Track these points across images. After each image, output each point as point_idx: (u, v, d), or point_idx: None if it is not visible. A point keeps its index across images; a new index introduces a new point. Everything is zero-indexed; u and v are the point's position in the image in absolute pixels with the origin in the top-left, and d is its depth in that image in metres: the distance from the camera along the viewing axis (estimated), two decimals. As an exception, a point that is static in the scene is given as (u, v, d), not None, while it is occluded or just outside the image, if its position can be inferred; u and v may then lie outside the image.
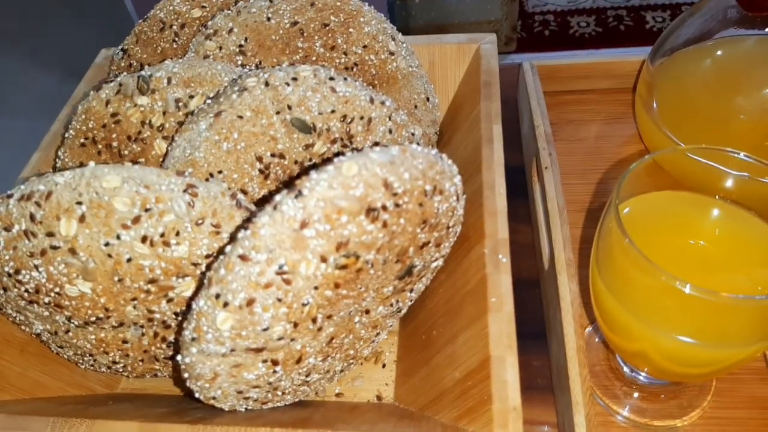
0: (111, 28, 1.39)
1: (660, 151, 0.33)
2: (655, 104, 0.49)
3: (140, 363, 0.37)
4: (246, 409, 0.34)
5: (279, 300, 0.28)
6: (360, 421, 0.35)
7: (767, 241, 0.32)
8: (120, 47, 0.47)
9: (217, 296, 0.28)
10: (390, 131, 0.39)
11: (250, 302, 0.27)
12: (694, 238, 0.33)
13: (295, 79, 0.36)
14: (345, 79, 0.38)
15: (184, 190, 0.31)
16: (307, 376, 0.34)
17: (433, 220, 0.33)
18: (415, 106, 0.46)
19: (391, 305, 0.36)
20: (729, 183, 0.33)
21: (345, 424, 0.34)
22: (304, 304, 0.28)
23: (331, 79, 0.37)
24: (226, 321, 0.28)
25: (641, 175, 0.33)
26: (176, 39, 0.45)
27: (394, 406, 0.39)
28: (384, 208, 0.29)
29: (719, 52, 0.48)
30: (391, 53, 0.44)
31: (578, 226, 0.47)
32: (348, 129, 0.37)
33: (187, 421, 0.31)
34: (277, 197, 0.27)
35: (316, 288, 0.28)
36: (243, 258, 0.27)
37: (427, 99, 0.46)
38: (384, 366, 0.41)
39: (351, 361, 0.37)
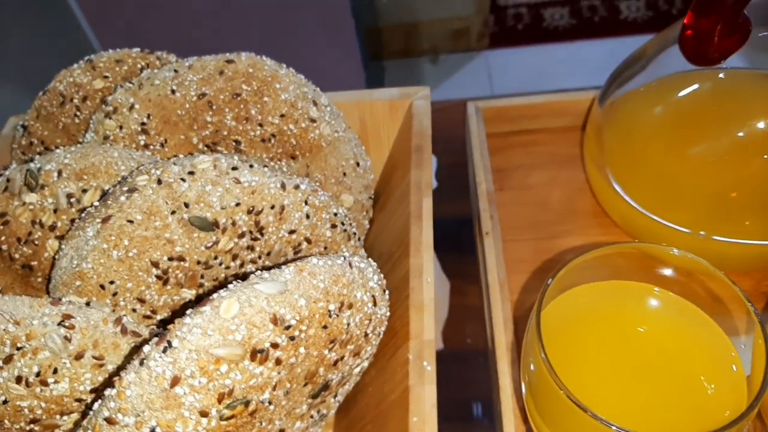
0: (70, 49, 1.34)
1: (586, 255, 0.29)
2: (603, 151, 0.45)
3: (42, 490, 0.34)
4: None
5: (157, 462, 0.24)
6: None
7: (719, 345, 0.29)
8: (20, 123, 0.43)
9: (86, 462, 0.24)
10: (307, 216, 0.35)
11: (123, 468, 0.24)
12: (632, 338, 0.30)
13: (192, 173, 0.33)
14: (251, 166, 0.34)
15: (60, 323, 0.28)
16: (218, 506, 0.31)
17: (343, 336, 0.29)
18: (344, 174, 0.42)
19: (312, 417, 0.33)
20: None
21: None
22: (189, 460, 0.25)
23: (234, 168, 0.33)
24: (98, 488, 0.24)
25: (575, 271, 0.30)
26: (78, 113, 0.41)
27: None
28: (275, 345, 0.25)
29: (674, 93, 0.45)
30: (313, 120, 0.40)
31: (525, 290, 0.44)
32: (257, 221, 0.34)
33: None
34: (145, 349, 0.24)
35: (201, 442, 0.25)
36: (110, 421, 0.24)
37: (357, 164, 0.43)
38: (317, 464, 0.38)
39: (274, 473, 0.34)
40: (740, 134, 0.41)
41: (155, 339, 0.24)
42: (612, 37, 1.79)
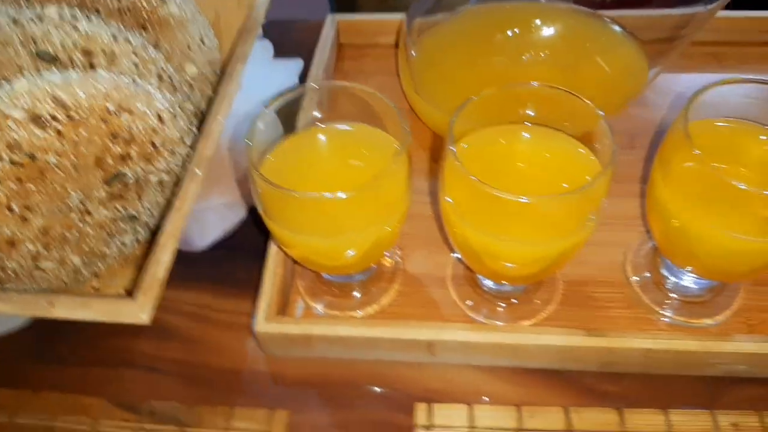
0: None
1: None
2: (408, 62, 0.55)
3: None
4: (-15, 286, 0.42)
5: (-36, 187, 0.35)
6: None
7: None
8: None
9: None
10: (136, 65, 0.46)
11: (-62, 187, 0.35)
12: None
13: (40, 18, 0.43)
14: (89, 18, 0.44)
15: None
16: (35, 262, 0.42)
17: (125, 135, 0.40)
18: (189, 47, 0.52)
19: (118, 210, 0.44)
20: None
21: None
22: (-10, 193, 0.36)
23: (74, 17, 0.44)
24: None
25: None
26: (-20, -18, 0.52)
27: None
28: (54, 118, 0.36)
29: (459, 19, 0.55)
30: (163, 1, 0.51)
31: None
32: (91, 61, 0.44)
33: None
34: (-42, 105, 0.35)
35: (-3, 180, 0.36)
36: (-71, 151, 0.35)
37: (203, 41, 0.53)
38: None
39: (92, 257, 0.45)
40: (509, 48, 0.52)
41: (-35, 100, 0.35)
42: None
